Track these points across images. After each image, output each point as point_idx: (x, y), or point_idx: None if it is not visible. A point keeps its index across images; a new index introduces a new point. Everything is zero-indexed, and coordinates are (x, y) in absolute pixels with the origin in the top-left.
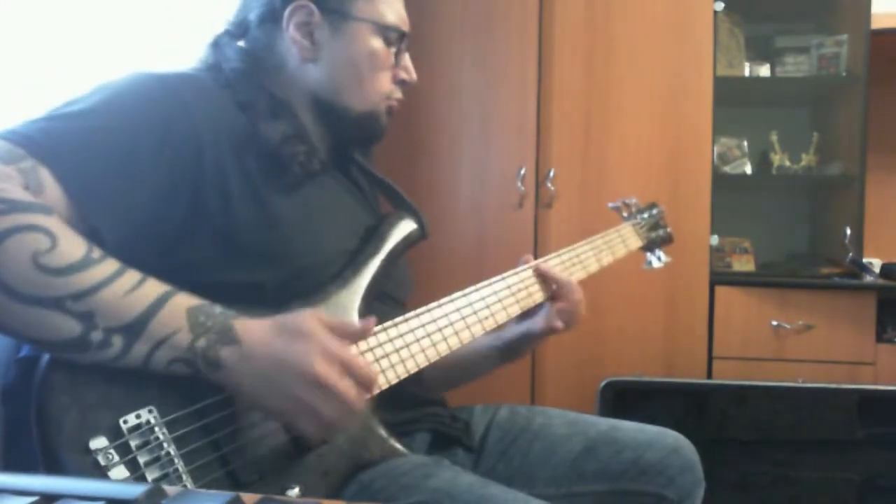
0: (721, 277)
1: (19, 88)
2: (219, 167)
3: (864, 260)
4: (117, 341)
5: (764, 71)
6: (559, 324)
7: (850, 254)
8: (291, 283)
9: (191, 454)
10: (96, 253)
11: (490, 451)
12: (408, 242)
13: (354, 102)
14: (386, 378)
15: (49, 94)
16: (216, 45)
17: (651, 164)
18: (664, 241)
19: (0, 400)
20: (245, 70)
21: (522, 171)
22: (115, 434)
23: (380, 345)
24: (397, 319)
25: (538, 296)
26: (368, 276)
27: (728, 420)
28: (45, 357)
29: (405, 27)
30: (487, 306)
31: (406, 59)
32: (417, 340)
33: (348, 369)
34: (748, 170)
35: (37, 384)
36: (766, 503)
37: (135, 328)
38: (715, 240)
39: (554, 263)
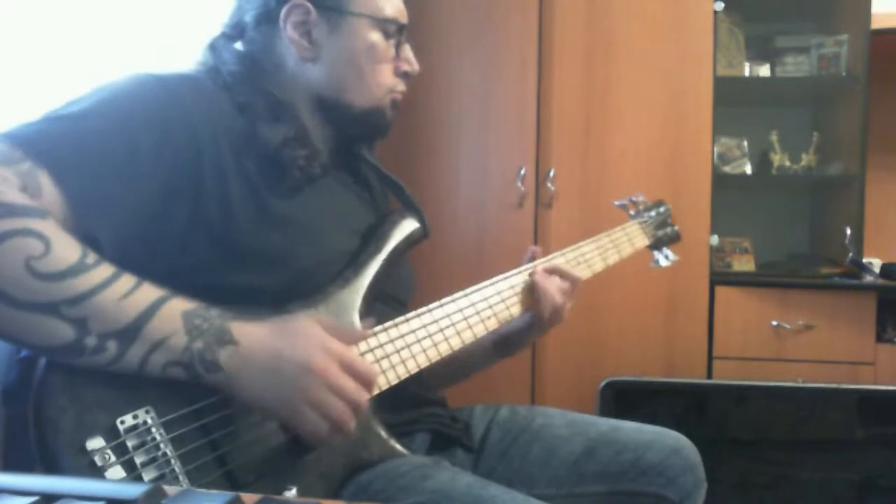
0: (721, 277)
1: (19, 88)
2: (218, 169)
3: (864, 260)
4: (111, 346)
5: (764, 71)
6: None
7: (850, 254)
8: (292, 285)
9: (188, 455)
10: (91, 258)
11: (490, 452)
12: (410, 242)
13: (357, 99)
14: (386, 378)
15: (49, 94)
16: (213, 47)
17: (651, 164)
18: (671, 240)
19: (1, 400)
20: (243, 73)
21: (522, 171)
22: (111, 434)
23: (380, 345)
24: (398, 319)
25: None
26: (369, 275)
27: (728, 420)
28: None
29: (403, 19)
30: (490, 306)
31: (407, 50)
32: (418, 340)
33: (348, 367)
34: (748, 170)
35: (35, 384)
36: (766, 503)
37: (129, 333)
38: (715, 240)
39: (559, 262)
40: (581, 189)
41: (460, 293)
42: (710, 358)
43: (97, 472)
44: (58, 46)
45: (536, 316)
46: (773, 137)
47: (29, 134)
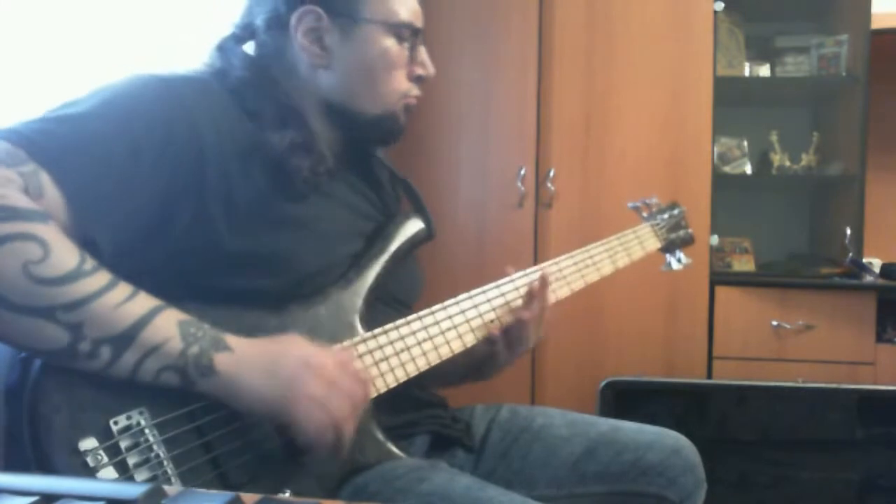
0: (721, 277)
1: (19, 88)
2: (222, 171)
3: (864, 260)
4: (105, 352)
5: (764, 71)
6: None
7: (850, 254)
8: (294, 287)
9: (181, 456)
10: (89, 264)
11: (490, 452)
12: (414, 242)
13: (369, 106)
14: (385, 382)
15: (49, 94)
16: (221, 49)
17: (651, 164)
18: (684, 243)
19: (3, 400)
20: (252, 78)
21: (522, 171)
22: (105, 435)
23: (380, 347)
24: (399, 322)
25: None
26: (371, 276)
27: (728, 420)
28: None
29: (419, 22)
30: (492, 309)
31: (422, 53)
32: (419, 343)
33: (344, 367)
34: (748, 170)
35: (30, 384)
36: (766, 503)
37: (124, 339)
38: (715, 240)
39: (566, 265)
40: (581, 189)
41: (463, 295)
42: (710, 358)
43: (89, 473)
44: (58, 46)
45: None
46: (773, 137)
47: (31, 134)
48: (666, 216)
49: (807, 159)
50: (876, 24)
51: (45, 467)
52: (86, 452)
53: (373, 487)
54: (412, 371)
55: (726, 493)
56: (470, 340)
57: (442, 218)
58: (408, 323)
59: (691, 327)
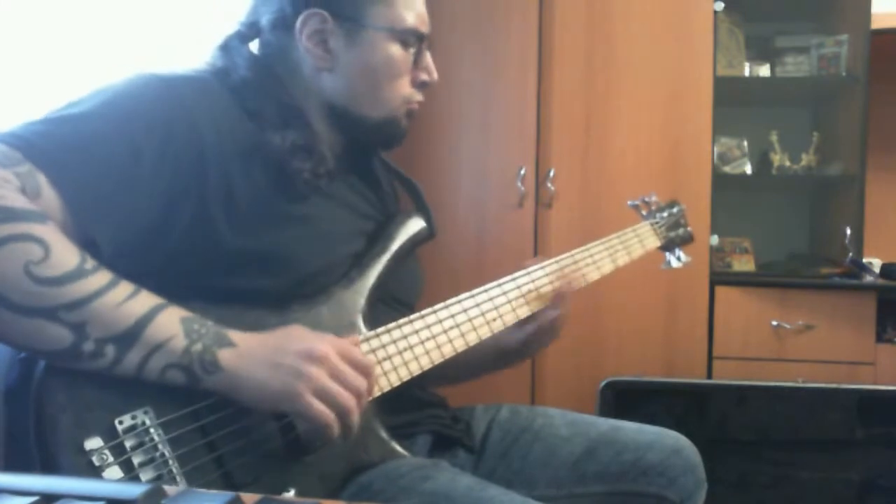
0: (721, 277)
1: (19, 88)
2: (223, 171)
3: (864, 260)
4: (109, 351)
5: (764, 71)
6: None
7: (850, 254)
8: (296, 287)
9: (186, 455)
10: (89, 264)
11: (491, 452)
12: (415, 241)
13: (371, 111)
14: (388, 380)
15: (49, 94)
16: (225, 48)
17: (651, 164)
18: (684, 241)
19: (3, 400)
20: (255, 78)
21: (522, 171)
22: (110, 435)
23: (382, 346)
24: (401, 321)
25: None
26: (373, 276)
27: (728, 420)
28: None
29: (424, 28)
30: (495, 307)
31: (426, 58)
32: (421, 342)
33: (347, 356)
34: (748, 170)
35: (35, 384)
36: (766, 503)
37: (128, 338)
38: (715, 240)
39: (566, 263)
40: (581, 189)
41: (466, 294)
42: (710, 358)
43: (95, 472)
44: (58, 46)
45: (539, 324)
46: (773, 137)
47: (28, 135)
48: (665, 214)
49: (807, 159)
50: (876, 24)
51: (51, 467)
52: (91, 452)
53: (377, 486)
54: (415, 370)
55: (726, 493)
56: (472, 339)
57: (442, 218)
58: (410, 322)
59: (691, 327)
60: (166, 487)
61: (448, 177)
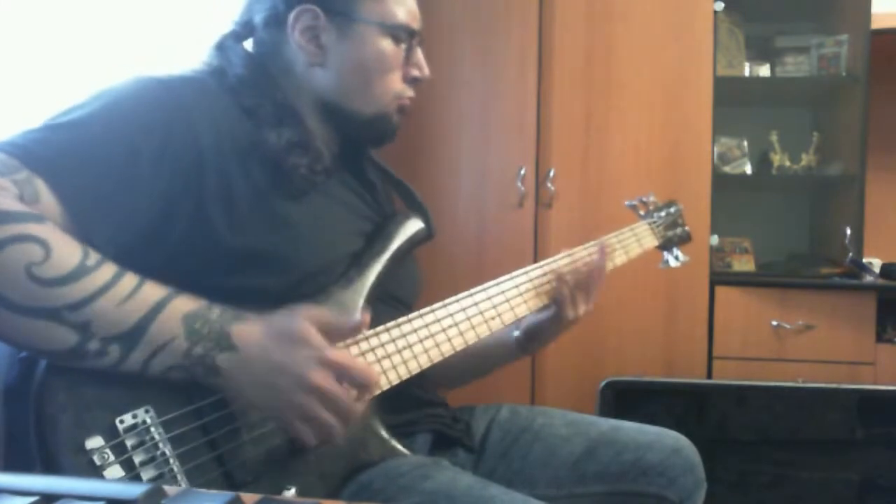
0: (721, 277)
1: (20, 90)
2: (221, 172)
3: (864, 260)
4: (114, 350)
5: (764, 71)
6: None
7: (850, 254)
8: (295, 287)
9: (186, 454)
10: (92, 260)
11: (491, 452)
12: (413, 241)
13: (363, 106)
14: (387, 379)
15: (49, 95)
16: (221, 47)
17: (651, 164)
18: (681, 240)
19: (2, 399)
20: (250, 76)
21: (522, 171)
22: (111, 434)
23: (381, 345)
24: (400, 320)
25: (548, 296)
26: (373, 276)
27: (728, 420)
28: None
29: (416, 24)
30: (494, 307)
31: (418, 55)
32: (420, 341)
33: (346, 373)
34: (748, 170)
35: (35, 383)
36: (766, 503)
37: (131, 337)
38: (715, 240)
39: (564, 263)
40: (581, 189)
41: (465, 293)
42: (710, 358)
43: (96, 472)
44: (58, 47)
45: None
46: (773, 137)
47: (25, 143)
48: (663, 214)
49: (807, 159)
50: (876, 24)
51: (51, 466)
52: (92, 451)
53: (377, 485)
54: (414, 368)
55: (726, 493)
56: (471, 338)
57: (442, 218)
58: (409, 321)
59: (691, 327)
60: (166, 487)
61: (448, 177)
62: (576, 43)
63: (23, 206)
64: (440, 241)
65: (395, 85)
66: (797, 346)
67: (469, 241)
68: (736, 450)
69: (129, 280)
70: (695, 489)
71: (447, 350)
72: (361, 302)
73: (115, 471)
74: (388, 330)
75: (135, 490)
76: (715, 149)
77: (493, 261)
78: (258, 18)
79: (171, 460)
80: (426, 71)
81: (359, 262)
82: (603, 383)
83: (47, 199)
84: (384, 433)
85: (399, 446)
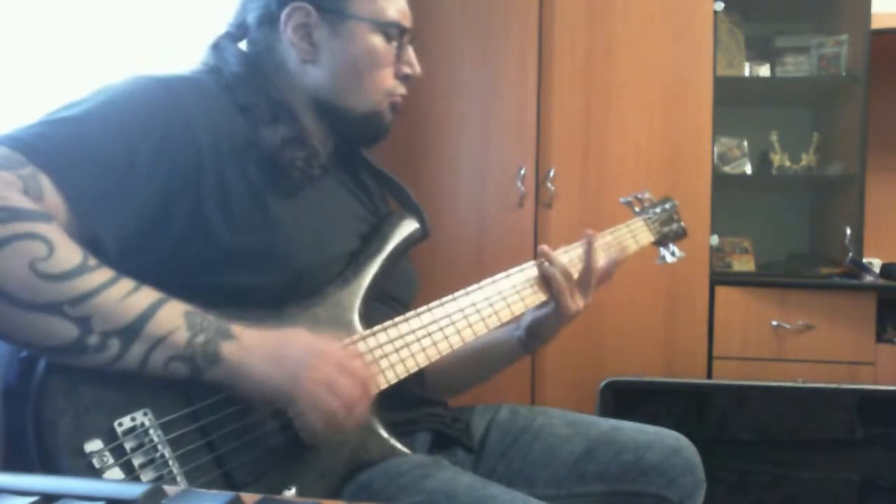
0: (721, 277)
1: (19, 89)
2: (218, 170)
3: (864, 260)
4: (114, 344)
5: (764, 71)
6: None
7: (850, 254)
8: (291, 286)
9: (185, 456)
10: (92, 261)
11: (490, 452)
12: (409, 242)
13: (355, 103)
14: (386, 378)
15: (49, 95)
16: (217, 47)
17: (651, 164)
18: (677, 236)
19: (2, 400)
20: (245, 74)
21: (522, 171)
22: (110, 436)
23: (379, 345)
24: (397, 319)
25: (543, 294)
26: (369, 276)
27: (728, 420)
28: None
29: (406, 22)
30: (491, 304)
31: (409, 52)
32: (418, 340)
33: (346, 369)
34: (748, 170)
35: (34, 386)
36: (766, 503)
37: (132, 331)
38: (715, 240)
39: (563, 260)
40: (581, 189)
41: (461, 291)
42: (710, 358)
43: (95, 475)
44: (58, 47)
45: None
46: (773, 137)
47: (29, 138)
48: (658, 210)
49: (807, 159)
50: (876, 24)
51: (51, 469)
52: (91, 454)
53: (377, 484)
54: (412, 367)
55: (726, 493)
56: (468, 335)
57: (442, 218)
58: (406, 320)
59: (691, 327)
60: (166, 487)
61: (448, 177)
62: (576, 43)
63: (32, 204)
64: (440, 241)
65: (387, 82)
66: (797, 346)
67: (469, 241)
68: (736, 450)
69: (127, 282)
70: (695, 489)
71: (444, 348)
72: (358, 302)
73: (115, 473)
74: (385, 330)
75: (135, 490)
76: (715, 149)
77: (493, 261)
78: (251, 18)
79: (171, 462)
80: (417, 68)
81: (355, 261)
82: (603, 383)
83: (51, 195)
84: (384, 432)
85: (399, 445)
